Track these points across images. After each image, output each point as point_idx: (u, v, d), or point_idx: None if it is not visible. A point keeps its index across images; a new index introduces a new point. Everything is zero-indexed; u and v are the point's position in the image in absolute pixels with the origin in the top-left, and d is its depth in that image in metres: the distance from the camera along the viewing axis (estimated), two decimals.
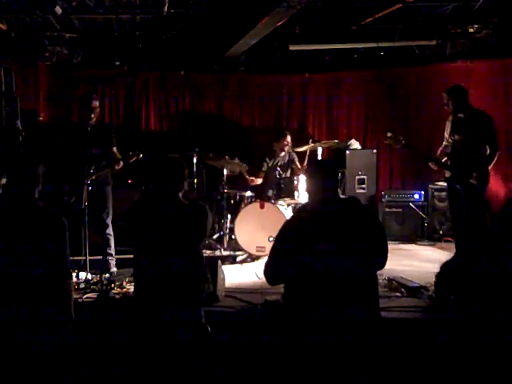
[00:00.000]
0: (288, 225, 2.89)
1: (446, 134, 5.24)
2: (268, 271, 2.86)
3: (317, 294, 2.70)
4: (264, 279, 2.86)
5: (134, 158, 4.99)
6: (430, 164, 5.26)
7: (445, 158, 5.23)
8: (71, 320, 2.93)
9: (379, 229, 2.88)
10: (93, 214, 4.95)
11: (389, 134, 5.35)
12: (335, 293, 2.68)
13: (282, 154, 6.67)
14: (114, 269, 5.10)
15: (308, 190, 3.05)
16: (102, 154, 5.05)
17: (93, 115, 4.97)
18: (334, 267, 2.68)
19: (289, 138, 6.64)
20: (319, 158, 6.66)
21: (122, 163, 5.04)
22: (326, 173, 2.95)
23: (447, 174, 5.18)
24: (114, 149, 5.17)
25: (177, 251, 3.09)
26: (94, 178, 4.89)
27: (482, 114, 5.12)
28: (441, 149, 5.33)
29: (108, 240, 5.11)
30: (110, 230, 5.12)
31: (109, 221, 5.12)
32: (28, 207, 2.90)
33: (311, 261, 2.70)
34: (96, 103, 5.03)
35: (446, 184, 5.45)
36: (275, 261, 2.83)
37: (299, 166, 6.64)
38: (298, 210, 2.95)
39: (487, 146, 5.03)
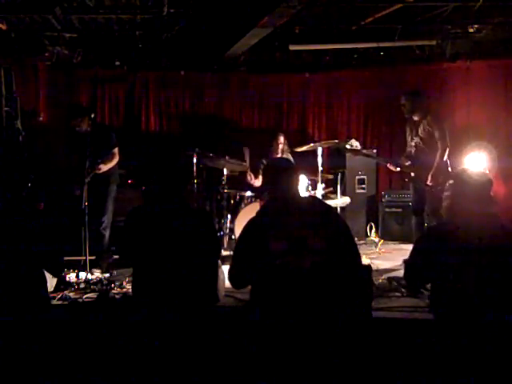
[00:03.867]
0: (245, 226, 2.85)
1: (410, 138, 5.53)
2: (230, 275, 2.84)
3: (279, 294, 2.66)
4: None
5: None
6: (388, 166, 5.63)
7: (408, 162, 5.51)
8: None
9: (341, 226, 2.85)
10: (91, 210, 5.02)
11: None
12: (298, 293, 2.63)
13: (279, 155, 6.67)
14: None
15: (264, 190, 3.05)
16: (102, 156, 5.12)
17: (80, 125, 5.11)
18: (289, 267, 2.63)
19: (281, 139, 6.65)
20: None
21: (114, 161, 5.22)
22: (278, 170, 2.92)
23: (412, 174, 5.49)
24: (115, 150, 5.25)
25: (183, 257, 3.07)
26: (89, 178, 4.96)
27: (433, 115, 5.42)
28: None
29: (103, 236, 5.19)
30: (104, 227, 5.20)
31: (104, 218, 5.19)
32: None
33: (267, 261, 2.66)
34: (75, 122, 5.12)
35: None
36: (236, 264, 2.82)
37: None
38: (257, 211, 2.92)
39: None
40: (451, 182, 2.87)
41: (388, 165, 5.65)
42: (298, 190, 2.97)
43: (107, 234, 5.24)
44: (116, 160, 5.31)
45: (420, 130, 5.41)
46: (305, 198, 2.93)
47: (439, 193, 5.34)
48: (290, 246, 2.65)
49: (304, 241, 2.66)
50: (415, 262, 2.87)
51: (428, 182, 5.27)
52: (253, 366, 2.72)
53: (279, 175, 2.88)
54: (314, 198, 2.94)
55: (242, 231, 2.84)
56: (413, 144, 5.49)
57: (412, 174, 5.50)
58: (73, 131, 5.19)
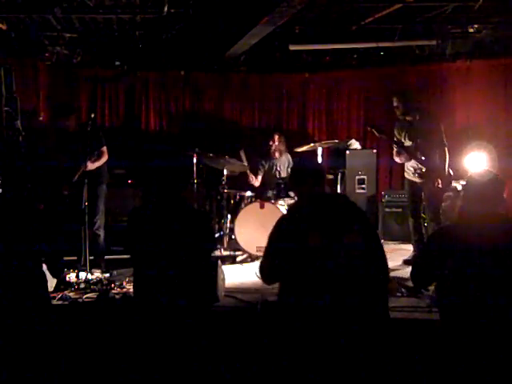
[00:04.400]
0: (280, 222, 2.88)
1: (403, 139, 5.42)
2: (264, 270, 2.87)
3: (315, 291, 2.66)
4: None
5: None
6: (401, 154, 5.42)
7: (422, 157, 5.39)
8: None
9: (369, 226, 2.88)
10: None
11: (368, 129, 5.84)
12: (333, 289, 2.65)
13: (277, 154, 6.68)
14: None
15: (300, 189, 3.11)
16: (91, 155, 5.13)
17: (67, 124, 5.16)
18: (329, 263, 2.65)
19: (276, 138, 6.66)
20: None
21: (102, 160, 5.21)
22: (315, 170, 3.03)
23: (424, 169, 5.34)
24: (103, 148, 5.24)
25: (183, 257, 3.06)
26: (77, 177, 4.97)
27: (432, 116, 5.42)
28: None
29: (98, 236, 5.20)
30: (97, 227, 5.20)
31: (97, 219, 5.20)
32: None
33: (305, 256, 2.68)
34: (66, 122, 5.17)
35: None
36: (271, 259, 2.84)
37: None
38: (290, 208, 2.97)
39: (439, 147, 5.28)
40: (464, 183, 2.91)
41: (396, 149, 5.46)
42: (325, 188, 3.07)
43: (102, 233, 5.24)
44: (105, 159, 5.29)
45: (417, 131, 5.33)
46: (334, 195, 2.97)
47: (441, 193, 5.33)
48: (328, 242, 2.67)
49: (341, 236, 2.69)
50: (422, 262, 2.93)
51: (439, 185, 5.23)
52: (273, 369, 2.73)
53: (317, 175, 2.97)
54: (340, 195, 2.98)
55: (277, 227, 2.86)
56: (407, 145, 5.41)
57: (423, 169, 5.33)
58: (62, 130, 5.21)
